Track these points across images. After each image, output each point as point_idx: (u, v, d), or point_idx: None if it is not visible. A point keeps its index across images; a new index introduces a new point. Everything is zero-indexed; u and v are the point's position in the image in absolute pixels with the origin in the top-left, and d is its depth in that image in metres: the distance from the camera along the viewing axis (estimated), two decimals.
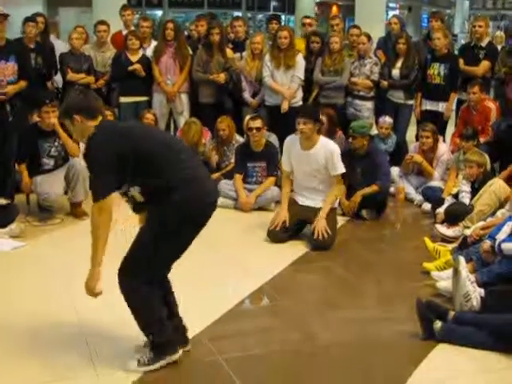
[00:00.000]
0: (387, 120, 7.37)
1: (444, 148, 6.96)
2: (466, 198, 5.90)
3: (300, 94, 7.53)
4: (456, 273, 4.11)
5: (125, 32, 8.16)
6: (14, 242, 5.31)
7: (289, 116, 6.90)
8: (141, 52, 7.73)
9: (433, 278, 4.56)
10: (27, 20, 7.33)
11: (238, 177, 6.54)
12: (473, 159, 5.99)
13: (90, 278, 3.26)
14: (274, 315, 4.21)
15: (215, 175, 6.60)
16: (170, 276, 3.53)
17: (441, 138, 7.10)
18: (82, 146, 3.84)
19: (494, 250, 4.36)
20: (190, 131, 6.92)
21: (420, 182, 6.89)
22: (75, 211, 6.05)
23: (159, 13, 20.69)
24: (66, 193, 6.07)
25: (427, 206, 6.42)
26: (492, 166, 6.45)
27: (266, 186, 6.45)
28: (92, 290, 3.27)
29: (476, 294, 3.99)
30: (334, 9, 22.59)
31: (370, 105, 7.74)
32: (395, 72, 7.64)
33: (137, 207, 3.41)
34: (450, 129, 7.84)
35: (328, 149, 5.45)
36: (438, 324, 3.74)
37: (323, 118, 6.89)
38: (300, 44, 7.89)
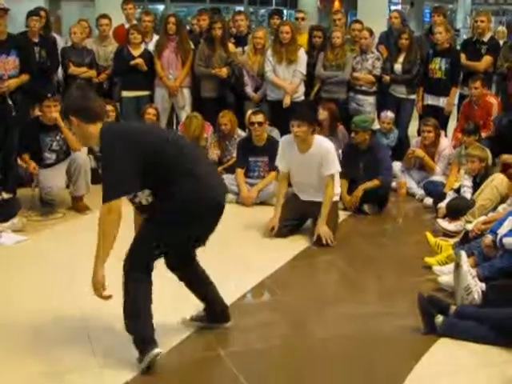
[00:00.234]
0: (389, 115, 7.37)
1: (446, 143, 6.96)
2: (467, 193, 5.89)
3: (302, 89, 7.53)
4: (457, 267, 4.11)
5: (127, 26, 8.15)
6: (16, 236, 5.32)
7: (291, 111, 6.87)
8: (143, 46, 7.72)
9: (434, 272, 4.57)
10: (30, 14, 7.35)
11: (240, 171, 6.54)
12: (474, 154, 5.99)
13: (94, 275, 3.23)
14: (275, 310, 4.22)
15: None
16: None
17: (442, 133, 7.09)
18: None
19: (496, 245, 4.36)
20: (192, 125, 6.93)
21: (422, 177, 6.89)
22: (77, 205, 6.05)
23: (161, 7, 20.64)
24: (67, 187, 6.08)
25: (429, 201, 6.42)
26: (493, 161, 6.45)
27: (267, 181, 6.44)
28: (99, 290, 3.24)
29: (477, 287, 4.00)
30: (337, 3, 22.50)
31: (371, 99, 7.73)
32: (397, 67, 7.62)
33: (141, 208, 3.42)
34: (452, 123, 7.83)
35: (324, 147, 5.36)
36: (439, 318, 3.75)
37: (325, 113, 6.92)
38: (302, 39, 7.87)
